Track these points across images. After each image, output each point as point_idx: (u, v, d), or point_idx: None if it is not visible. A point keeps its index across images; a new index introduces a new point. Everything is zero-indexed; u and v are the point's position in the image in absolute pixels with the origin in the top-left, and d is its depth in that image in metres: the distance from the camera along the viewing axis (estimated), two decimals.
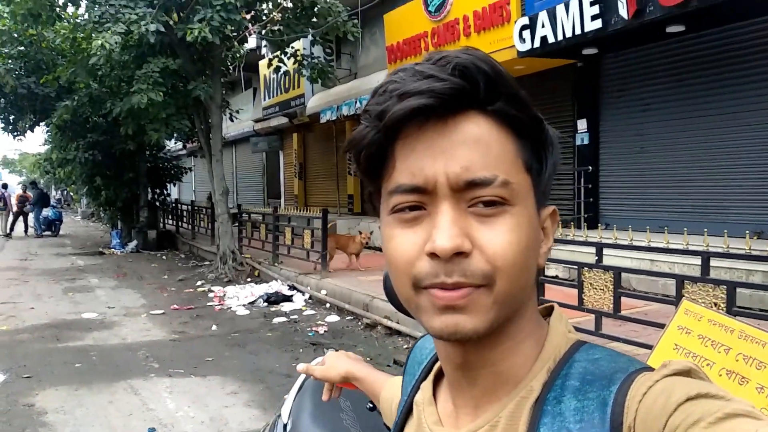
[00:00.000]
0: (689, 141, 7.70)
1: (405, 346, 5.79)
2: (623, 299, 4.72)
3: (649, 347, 3.63)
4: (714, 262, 4.37)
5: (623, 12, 6.81)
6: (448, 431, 0.64)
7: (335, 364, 1.15)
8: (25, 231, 20.88)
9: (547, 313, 0.65)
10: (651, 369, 0.54)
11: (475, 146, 0.55)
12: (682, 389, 0.49)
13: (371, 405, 1.63)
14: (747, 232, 5.61)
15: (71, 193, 36.89)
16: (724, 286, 3.96)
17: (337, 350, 1.24)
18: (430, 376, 0.71)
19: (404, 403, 0.74)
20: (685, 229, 5.68)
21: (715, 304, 3.90)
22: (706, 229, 5.12)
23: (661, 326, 3.39)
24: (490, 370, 0.60)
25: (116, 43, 8.99)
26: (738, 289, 4.02)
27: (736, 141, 7.19)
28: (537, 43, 7.92)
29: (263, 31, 11.18)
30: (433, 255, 0.54)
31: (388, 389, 1.02)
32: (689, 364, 0.52)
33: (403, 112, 0.54)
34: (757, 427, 0.44)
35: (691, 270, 5.29)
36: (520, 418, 0.57)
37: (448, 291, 0.54)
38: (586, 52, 8.15)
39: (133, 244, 15.78)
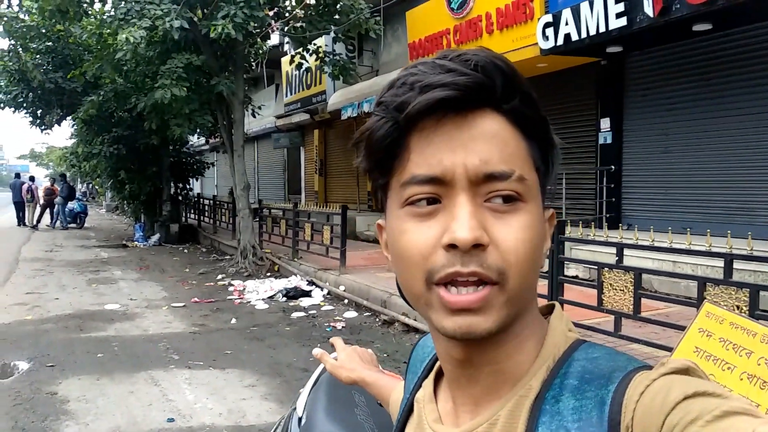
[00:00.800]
0: (714, 141, 7.57)
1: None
2: (644, 300, 4.66)
3: (670, 350, 3.59)
4: (737, 265, 4.30)
5: (649, 10, 6.71)
6: (448, 429, 0.64)
7: (346, 365, 1.13)
8: (52, 223, 21.28)
9: (548, 311, 0.65)
10: (649, 367, 0.54)
11: (492, 141, 0.55)
12: (680, 387, 0.49)
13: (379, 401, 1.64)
14: None
15: (96, 187, 37.52)
16: (747, 289, 3.90)
17: (352, 345, 1.23)
18: (432, 374, 0.71)
19: (406, 401, 0.74)
20: (709, 230, 5.59)
21: (738, 307, 3.84)
22: (729, 231, 5.03)
23: (682, 328, 3.35)
24: (492, 368, 0.60)
25: (141, 38, 9.13)
26: (761, 292, 3.95)
27: (762, 142, 7.05)
28: (560, 41, 7.84)
29: (286, 28, 11.23)
30: (450, 247, 0.53)
31: (398, 392, 1.00)
32: (688, 363, 0.52)
33: (426, 102, 0.54)
34: (755, 425, 0.44)
35: (714, 272, 5.21)
36: (519, 416, 0.57)
37: (461, 295, 0.54)
38: (611, 50, 8.05)
39: (155, 237, 15.99)
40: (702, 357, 3.22)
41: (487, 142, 0.55)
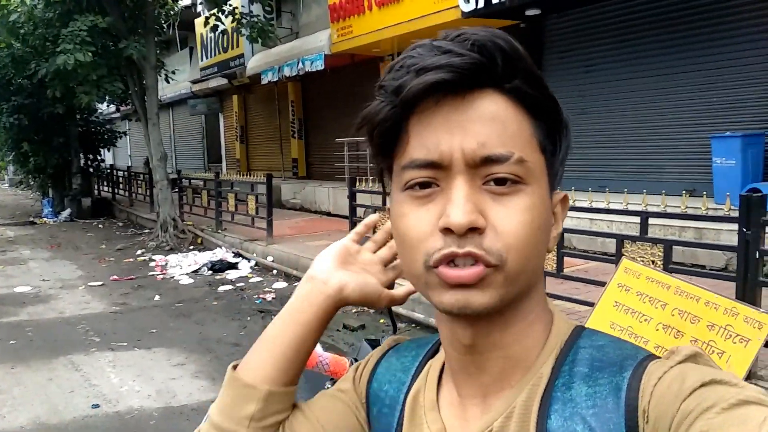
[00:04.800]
0: (629, 102, 7.89)
1: (354, 310, 5.80)
2: (565, 259, 4.85)
3: (590, 304, 3.74)
4: (651, 221, 4.53)
5: None
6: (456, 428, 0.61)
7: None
8: None
9: None
10: (657, 356, 0.55)
11: (491, 123, 0.54)
12: (696, 375, 0.50)
13: (329, 385, 1.60)
14: (683, 191, 5.83)
15: None
16: (662, 245, 4.11)
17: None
18: (433, 379, 0.66)
19: (398, 415, 0.67)
20: (626, 189, 5.85)
21: (653, 262, 4.05)
22: (645, 190, 5.29)
23: (602, 284, 3.50)
24: (501, 353, 0.59)
25: None
26: (674, 247, 4.18)
27: (672, 102, 7.41)
28: (481, 4, 7.87)
29: None
30: (446, 231, 0.53)
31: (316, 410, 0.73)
32: (695, 349, 0.54)
33: (421, 86, 0.53)
34: None
35: (630, 229, 5.48)
36: (532, 406, 0.57)
37: (459, 270, 0.53)
38: (530, 12, 8.16)
39: (66, 212, 15.13)
40: (621, 310, 3.38)
41: (485, 123, 0.54)
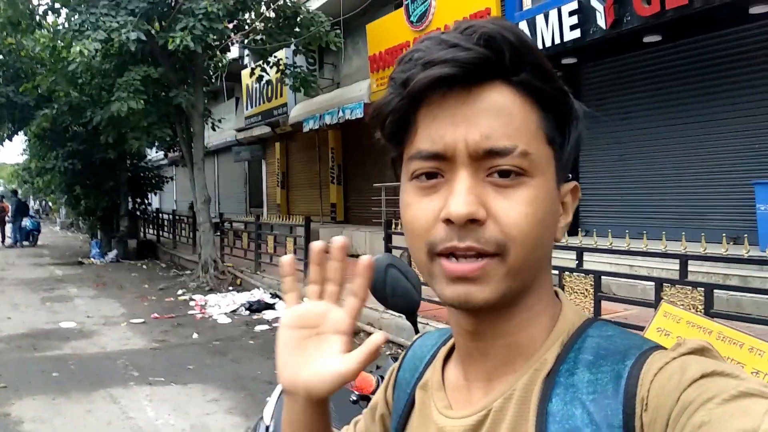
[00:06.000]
0: (667, 148, 7.82)
1: (388, 353, 5.77)
2: (603, 303, 4.77)
3: None
4: (692, 267, 4.44)
5: (601, 22, 6.92)
6: (460, 412, 0.63)
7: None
8: (2, 241, 20.52)
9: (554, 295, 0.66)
10: (664, 348, 0.55)
11: (497, 115, 0.55)
12: (697, 366, 0.50)
13: (354, 398, 1.63)
14: (723, 235, 5.69)
15: (50, 203, 36.37)
16: (702, 288, 4.02)
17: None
18: (438, 362, 0.70)
19: (407, 397, 0.72)
20: (664, 233, 5.75)
21: (693, 307, 3.96)
22: (684, 233, 5.19)
23: (641, 329, 3.43)
24: (505, 341, 0.60)
25: (96, 50, 8.93)
26: (715, 293, 4.08)
27: (711, 148, 7.32)
28: None
29: (246, 41, 11.18)
30: (447, 221, 0.54)
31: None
32: (703, 343, 0.53)
33: (426, 80, 0.54)
34: None
35: (669, 274, 5.36)
36: (533, 389, 0.57)
37: (460, 263, 0.55)
38: (566, 61, 8.26)
39: (113, 253, 15.59)
40: None
41: (491, 116, 0.55)
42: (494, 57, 0.54)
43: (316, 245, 0.62)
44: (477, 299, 0.55)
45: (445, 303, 0.58)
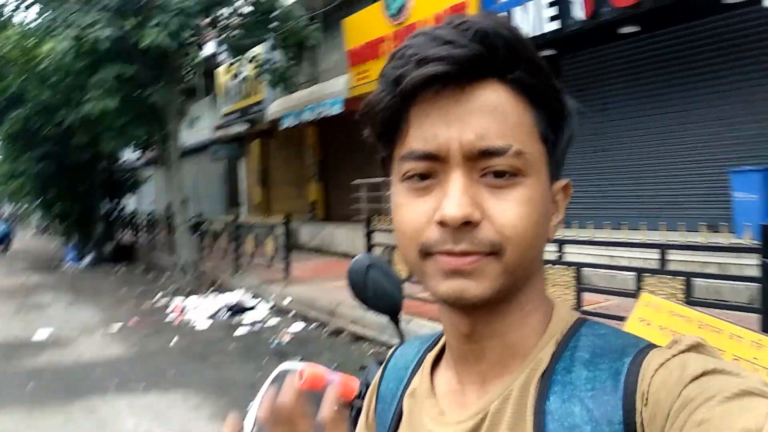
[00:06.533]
0: (644, 139, 7.86)
1: (371, 351, 5.72)
2: (584, 295, 4.78)
3: None
4: (671, 256, 4.46)
5: (580, 13, 6.92)
6: (453, 417, 0.61)
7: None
8: None
9: None
10: (659, 345, 0.55)
11: (491, 114, 0.54)
12: (698, 363, 0.50)
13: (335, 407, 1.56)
14: (701, 224, 5.74)
15: (23, 206, 35.69)
16: (682, 278, 4.04)
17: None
18: (425, 370, 0.68)
19: (395, 407, 0.69)
20: (643, 223, 5.78)
21: (673, 295, 3.96)
22: (662, 222, 5.23)
23: (622, 319, 3.43)
24: (499, 341, 0.60)
25: (68, 47, 8.71)
26: (695, 281, 4.10)
27: (688, 137, 7.37)
28: None
29: (221, 36, 11.01)
30: (441, 224, 0.53)
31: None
32: (698, 339, 0.53)
33: (420, 78, 0.53)
34: None
35: (649, 264, 5.39)
36: (530, 389, 0.57)
37: (456, 257, 0.54)
38: (545, 53, 8.25)
39: (88, 258, 15.34)
40: None
41: (484, 115, 0.53)
42: (488, 54, 0.53)
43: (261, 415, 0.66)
44: (472, 294, 0.54)
45: (440, 299, 0.57)
